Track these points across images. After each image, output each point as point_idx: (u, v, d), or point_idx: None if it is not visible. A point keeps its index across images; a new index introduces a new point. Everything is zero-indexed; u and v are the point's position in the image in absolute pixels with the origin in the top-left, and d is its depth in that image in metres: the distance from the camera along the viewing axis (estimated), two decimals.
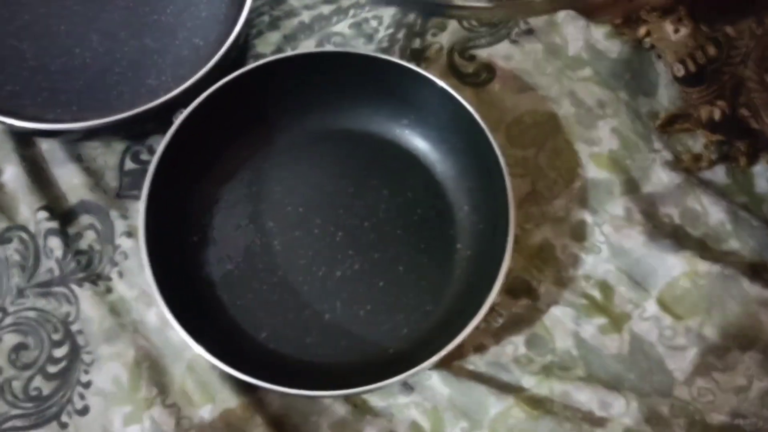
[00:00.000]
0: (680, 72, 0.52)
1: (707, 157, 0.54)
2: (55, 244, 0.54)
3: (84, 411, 0.50)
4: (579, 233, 0.54)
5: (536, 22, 0.60)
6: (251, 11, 0.56)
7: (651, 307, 0.51)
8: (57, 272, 0.53)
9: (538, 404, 0.49)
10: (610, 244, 0.53)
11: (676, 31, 0.52)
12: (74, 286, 0.53)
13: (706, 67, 0.51)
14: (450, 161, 0.55)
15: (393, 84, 0.55)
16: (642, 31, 0.55)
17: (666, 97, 0.57)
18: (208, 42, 0.57)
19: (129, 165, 0.57)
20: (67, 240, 0.54)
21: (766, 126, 0.50)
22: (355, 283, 0.53)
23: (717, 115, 0.51)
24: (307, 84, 0.55)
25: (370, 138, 0.57)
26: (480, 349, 0.51)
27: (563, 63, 0.59)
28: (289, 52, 0.59)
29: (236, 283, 0.53)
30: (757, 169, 0.55)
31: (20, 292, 0.53)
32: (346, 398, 0.50)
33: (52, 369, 0.51)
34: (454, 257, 0.53)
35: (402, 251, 0.54)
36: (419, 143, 0.56)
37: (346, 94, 0.56)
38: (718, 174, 0.55)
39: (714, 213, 0.53)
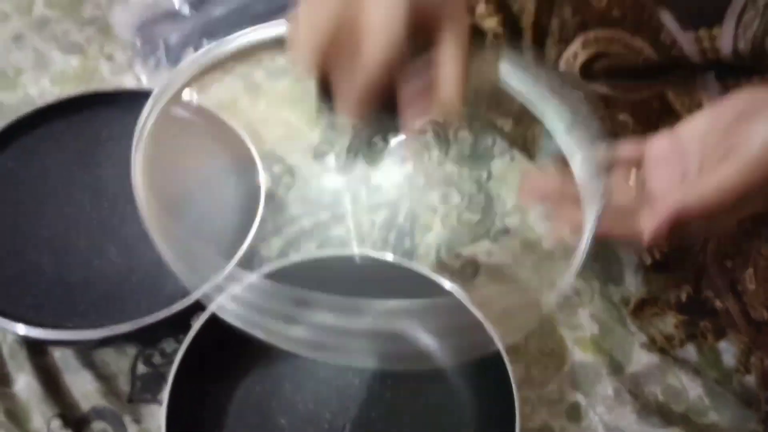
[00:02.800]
0: (648, 260, 0.59)
1: (678, 336, 0.60)
2: None
3: None
4: (574, 414, 0.57)
5: (511, 221, 0.68)
6: None
7: None
8: None
9: None
10: (605, 423, 0.56)
11: None
12: None
13: (669, 256, 0.58)
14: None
15: (394, 284, 0.60)
16: None
17: (633, 284, 0.64)
18: (221, 250, 0.62)
19: (141, 369, 0.59)
20: None
21: (728, 306, 0.56)
22: None
23: (683, 297, 0.58)
24: (313, 285, 0.60)
25: (375, 333, 0.61)
26: None
27: (539, 256, 0.66)
28: (298, 256, 0.63)
29: None
30: (722, 345, 0.61)
31: None
32: None
33: None
34: None
35: None
36: (421, 336, 0.61)
37: (351, 293, 0.61)
38: (690, 352, 0.61)
39: (692, 389, 0.58)
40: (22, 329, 0.55)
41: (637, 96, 0.58)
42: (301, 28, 0.40)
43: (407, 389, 0.58)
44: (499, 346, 0.54)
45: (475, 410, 0.57)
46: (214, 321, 0.55)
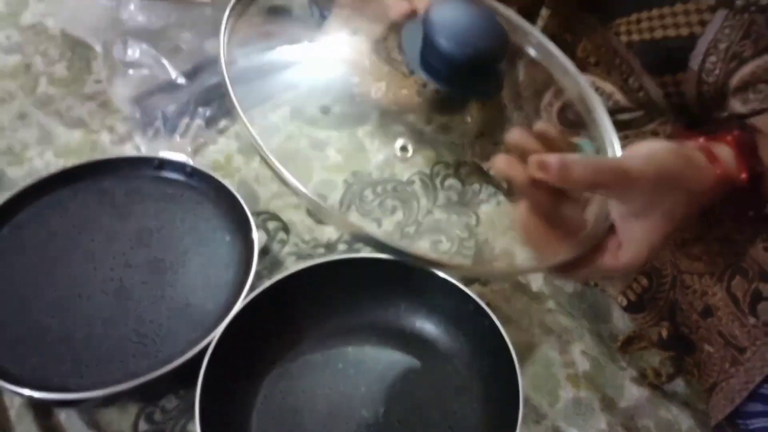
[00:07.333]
0: (623, 302, 0.61)
1: (665, 372, 0.61)
2: None
3: None
4: None
5: (500, 265, 0.70)
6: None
7: None
8: None
9: None
10: None
11: None
12: None
13: (643, 296, 0.60)
14: (464, 347, 0.62)
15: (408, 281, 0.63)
16: None
17: (621, 321, 0.66)
18: (217, 306, 0.64)
19: (142, 427, 0.60)
20: None
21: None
22: None
23: (664, 334, 0.59)
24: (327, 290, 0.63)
25: (391, 330, 0.63)
26: None
27: (529, 297, 0.68)
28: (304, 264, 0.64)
29: None
30: None
31: None
32: None
33: None
34: None
35: None
36: (431, 330, 0.63)
37: (365, 293, 0.64)
38: (680, 385, 0.62)
39: (684, 420, 0.59)
40: (28, 392, 0.57)
41: None
42: None
43: (423, 393, 0.60)
44: (511, 347, 0.56)
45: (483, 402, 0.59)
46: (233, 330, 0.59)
